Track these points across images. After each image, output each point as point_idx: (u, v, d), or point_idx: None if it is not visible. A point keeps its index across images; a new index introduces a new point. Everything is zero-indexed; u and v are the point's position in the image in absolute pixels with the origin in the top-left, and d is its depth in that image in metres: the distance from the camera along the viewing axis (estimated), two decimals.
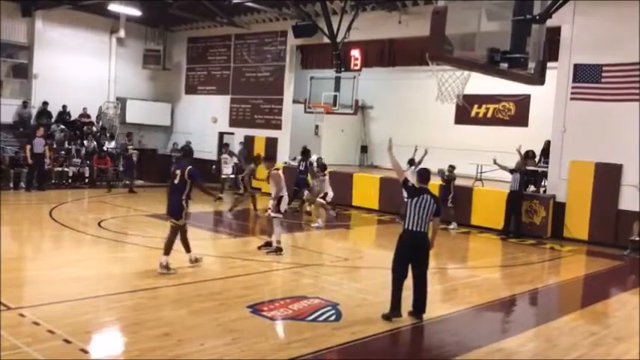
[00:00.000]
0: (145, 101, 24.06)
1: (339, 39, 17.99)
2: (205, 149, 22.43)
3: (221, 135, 23.32)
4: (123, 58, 23.47)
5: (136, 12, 20.42)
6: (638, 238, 12.89)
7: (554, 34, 13.78)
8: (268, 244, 10.75)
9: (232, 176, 18.77)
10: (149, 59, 23.94)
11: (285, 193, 10.66)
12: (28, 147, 17.46)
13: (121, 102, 23.23)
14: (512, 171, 14.77)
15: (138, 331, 6.32)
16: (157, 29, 24.30)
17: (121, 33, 22.89)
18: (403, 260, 7.21)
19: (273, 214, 10.52)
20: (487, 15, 7.58)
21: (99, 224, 12.51)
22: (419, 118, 21.90)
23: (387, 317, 7.10)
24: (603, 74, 14.03)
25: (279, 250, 10.43)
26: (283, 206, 10.59)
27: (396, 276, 7.20)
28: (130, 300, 7.51)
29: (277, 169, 10.96)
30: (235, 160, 18.83)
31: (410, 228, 7.14)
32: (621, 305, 9.14)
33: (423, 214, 7.11)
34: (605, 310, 8.98)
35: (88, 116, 22.16)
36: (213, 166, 19.70)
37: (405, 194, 7.73)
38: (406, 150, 22.06)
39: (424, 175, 7.57)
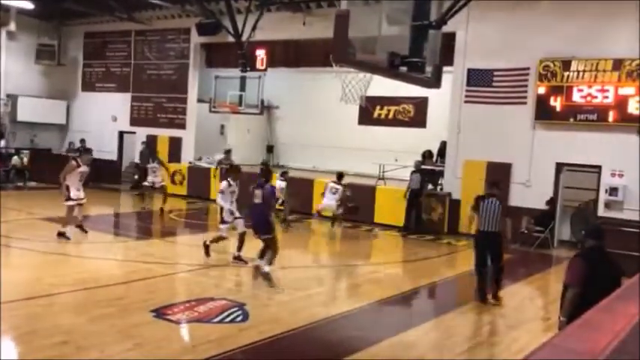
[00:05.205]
0: (39, 98, 22.75)
1: (244, 38, 17.86)
2: (104, 149, 21.58)
3: (121, 134, 22.53)
4: (13, 53, 22.05)
5: (28, 5, 19.27)
6: (526, 231, 13.86)
7: (450, 39, 14.42)
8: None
9: None
10: (42, 54, 22.61)
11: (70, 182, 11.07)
12: None
13: (12, 99, 21.81)
14: (412, 172, 15.33)
15: (33, 340, 6.02)
16: (51, 23, 23.04)
17: (12, 26, 21.49)
18: (479, 255, 8.73)
19: (66, 203, 11.06)
20: (387, 20, 7.82)
21: None
22: (324, 118, 22.19)
23: (476, 298, 8.66)
24: (494, 78, 14.87)
25: (63, 235, 11.04)
26: (73, 193, 11.03)
27: (476, 268, 8.75)
28: (23, 308, 7.11)
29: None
30: None
31: (481, 229, 8.60)
32: (512, 295, 9.70)
33: (490, 215, 8.50)
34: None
35: None
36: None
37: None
38: (312, 150, 22.40)
39: (491, 183, 9.20)
